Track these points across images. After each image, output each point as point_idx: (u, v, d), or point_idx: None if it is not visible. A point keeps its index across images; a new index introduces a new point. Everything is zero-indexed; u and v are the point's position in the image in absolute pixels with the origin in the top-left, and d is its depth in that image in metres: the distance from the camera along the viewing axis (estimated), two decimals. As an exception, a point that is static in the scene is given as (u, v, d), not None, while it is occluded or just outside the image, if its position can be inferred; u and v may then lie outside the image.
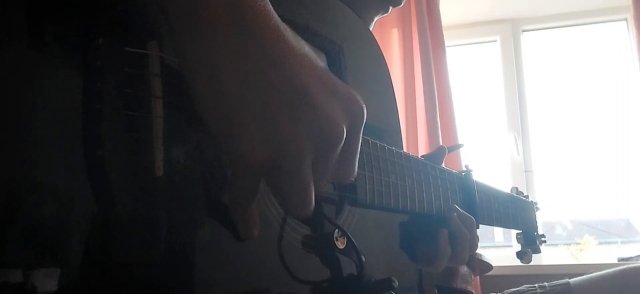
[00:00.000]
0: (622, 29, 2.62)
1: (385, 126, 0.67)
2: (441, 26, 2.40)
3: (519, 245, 1.07)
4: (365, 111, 0.38)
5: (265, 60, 0.34)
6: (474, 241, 0.72)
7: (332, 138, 0.36)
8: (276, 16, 0.36)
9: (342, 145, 0.37)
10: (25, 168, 0.31)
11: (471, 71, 2.90)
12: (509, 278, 2.07)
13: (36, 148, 0.32)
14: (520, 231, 1.05)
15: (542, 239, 1.07)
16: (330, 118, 0.36)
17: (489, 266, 1.95)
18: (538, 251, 1.06)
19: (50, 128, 0.33)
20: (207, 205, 0.41)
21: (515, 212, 0.97)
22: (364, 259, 0.48)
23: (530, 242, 1.05)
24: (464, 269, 1.83)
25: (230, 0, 0.34)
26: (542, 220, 2.48)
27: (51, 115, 0.33)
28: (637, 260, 2.16)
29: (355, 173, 0.39)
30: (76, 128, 0.34)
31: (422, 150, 2.29)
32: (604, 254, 2.69)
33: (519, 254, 1.06)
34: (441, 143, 2.25)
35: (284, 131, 0.34)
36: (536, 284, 1.01)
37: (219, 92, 0.34)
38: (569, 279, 0.98)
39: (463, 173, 0.79)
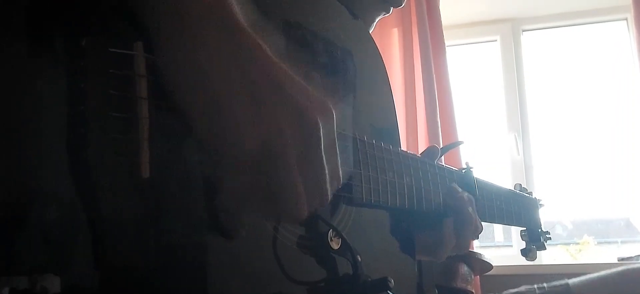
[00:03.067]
0: (622, 29, 2.62)
1: (383, 125, 0.67)
2: (441, 26, 2.40)
3: (524, 242, 1.06)
4: (334, 114, 0.39)
5: (246, 57, 0.36)
6: (477, 224, 0.73)
7: (311, 131, 0.37)
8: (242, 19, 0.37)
9: (322, 142, 0.38)
10: (10, 169, 0.31)
11: (471, 71, 2.90)
12: (509, 277, 2.07)
13: (20, 150, 0.32)
14: (524, 229, 1.04)
15: (547, 236, 1.06)
16: (306, 111, 0.37)
17: (489, 266, 1.95)
18: (543, 248, 1.05)
19: (34, 130, 0.33)
20: (197, 206, 0.41)
21: (518, 209, 0.96)
22: (359, 259, 0.48)
23: (534, 239, 1.04)
24: (464, 268, 1.83)
25: (212, 3, 0.36)
26: (542, 220, 2.48)
27: (36, 117, 0.33)
28: (637, 260, 2.16)
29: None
30: (61, 129, 0.34)
31: (422, 149, 2.29)
32: (603, 254, 2.69)
33: (524, 252, 1.05)
34: (441, 143, 2.25)
35: (269, 122, 0.36)
36: (535, 285, 1.01)
37: (205, 88, 0.35)
38: (568, 280, 0.97)
39: (463, 171, 0.79)
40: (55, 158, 0.33)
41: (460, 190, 0.73)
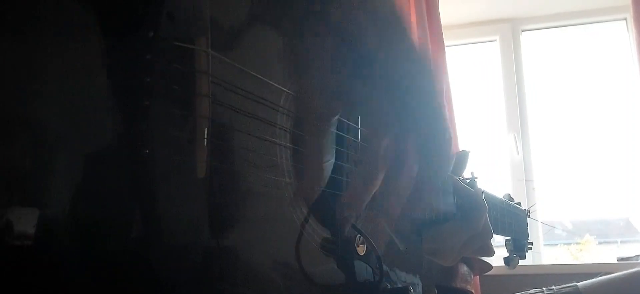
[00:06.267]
0: (621, 29, 2.62)
1: None
2: (440, 26, 2.40)
3: (507, 251, 1.07)
4: None
5: None
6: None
7: None
8: None
9: None
10: (75, 163, 0.31)
11: (471, 71, 2.89)
12: (509, 277, 2.07)
13: (86, 143, 0.31)
14: (509, 238, 1.05)
15: (530, 246, 1.07)
16: None
17: (488, 266, 1.95)
18: (524, 257, 1.07)
19: (98, 122, 0.32)
20: (248, 205, 0.40)
21: (510, 220, 0.97)
22: (385, 268, 0.48)
23: (519, 249, 1.06)
24: (464, 268, 1.83)
25: None
26: (542, 220, 2.49)
27: (101, 109, 0.32)
28: (637, 260, 2.16)
29: None
30: (125, 124, 0.33)
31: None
32: (604, 254, 2.69)
33: (507, 260, 1.07)
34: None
35: None
36: (544, 288, 1.00)
37: None
38: (577, 282, 0.96)
39: (468, 180, 0.79)
40: (118, 152, 0.33)
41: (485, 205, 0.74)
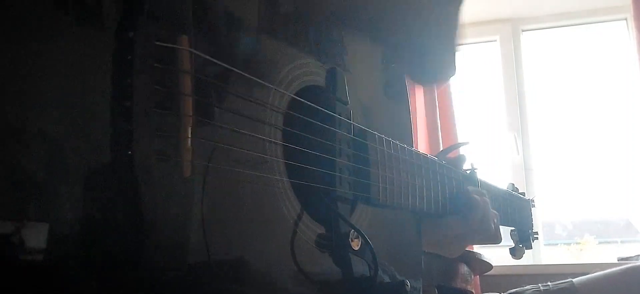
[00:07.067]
0: (622, 29, 2.62)
1: (397, 123, 0.67)
2: (441, 26, 2.39)
3: (512, 241, 1.07)
4: None
5: None
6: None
7: None
8: None
9: None
10: (56, 163, 0.30)
11: (471, 71, 2.89)
12: (509, 277, 2.07)
13: (68, 144, 0.31)
14: (514, 228, 1.05)
15: (535, 236, 1.07)
16: None
17: (488, 266, 1.95)
18: (530, 247, 1.06)
19: (79, 124, 0.31)
20: (237, 203, 0.40)
21: (513, 210, 0.97)
22: (379, 261, 0.48)
23: (524, 239, 1.05)
24: (464, 268, 1.83)
25: None
26: (542, 220, 2.49)
27: (83, 109, 0.32)
28: (636, 259, 2.16)
29: None
30: (106, 125, 0.33)
31: (422, 150, 2.28)
32: (604, 254, 2.69)
33: (512, 251, 1.06)
34: (441, 143, 2.25)
35: None
36: (539, 284, 1.00)
37: None
38: (573, 279, 0.97)
39: (468, 171, 0.79)
40: (100, 154, 0.32)
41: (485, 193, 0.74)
